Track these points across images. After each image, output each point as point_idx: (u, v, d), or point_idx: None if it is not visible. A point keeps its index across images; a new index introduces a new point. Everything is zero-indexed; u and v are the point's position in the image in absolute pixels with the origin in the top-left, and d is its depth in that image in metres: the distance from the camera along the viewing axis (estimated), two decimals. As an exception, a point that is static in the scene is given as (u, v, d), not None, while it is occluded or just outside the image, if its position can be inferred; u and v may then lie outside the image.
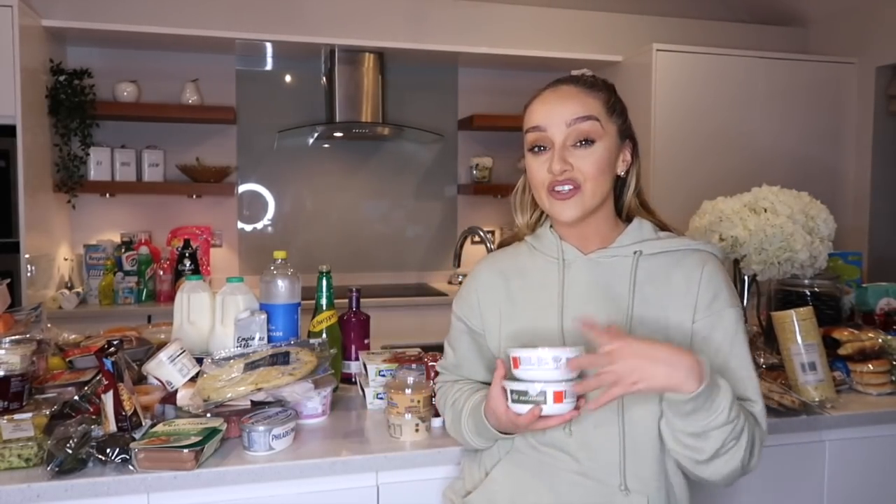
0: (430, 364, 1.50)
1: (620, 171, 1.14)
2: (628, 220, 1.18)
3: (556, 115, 1.08)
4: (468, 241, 2.49)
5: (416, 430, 1.36)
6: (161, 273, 3.30)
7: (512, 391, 1.01)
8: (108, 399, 1.25)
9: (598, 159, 1.08)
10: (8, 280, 1.64)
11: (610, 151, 1.10)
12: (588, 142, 1.07)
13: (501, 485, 1.14)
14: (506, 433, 1.11)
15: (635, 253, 1.11)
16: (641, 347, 0.94)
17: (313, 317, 1.67)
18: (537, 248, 1.20)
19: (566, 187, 1.08)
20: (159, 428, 1.27)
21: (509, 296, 1.19)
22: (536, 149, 1.11)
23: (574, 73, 1.16)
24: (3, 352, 1.35)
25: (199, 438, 1.22)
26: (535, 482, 1.11)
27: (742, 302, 1.94)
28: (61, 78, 3.15)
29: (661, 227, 1.18)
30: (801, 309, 1.59)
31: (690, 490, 1.13)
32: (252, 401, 1.38)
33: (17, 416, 1.24)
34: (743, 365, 1.08)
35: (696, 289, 1.08)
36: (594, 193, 1.09)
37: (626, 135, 1.14)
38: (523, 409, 0.99)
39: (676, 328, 1.08)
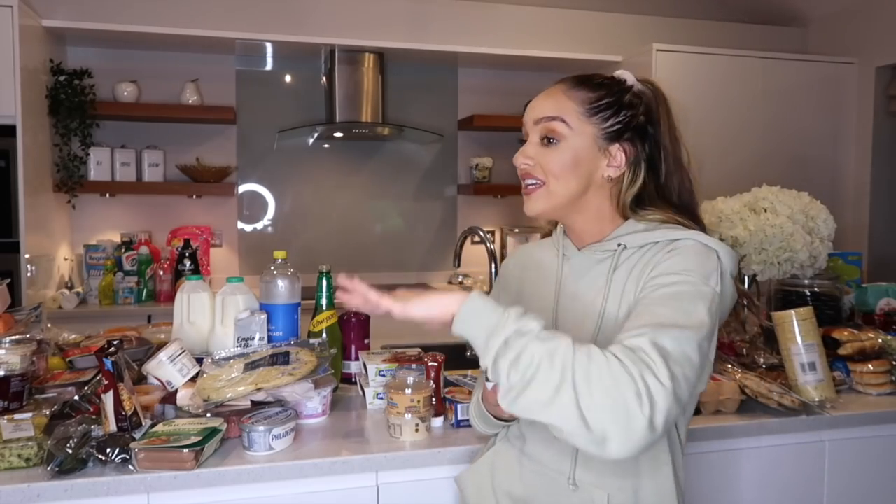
0: (430, 364, 1.50)
1: (610, 173, 1.10)
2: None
3: (531, 113, 1.12)
4: (468, 241, 2.50)
5: (416, 430, 1.36)
6: (161, 273, 3.30)
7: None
8: (108, 399, 1.25)
9: (561, 158, 1.08)
10: (8, 280, 1.64)
11: (578, 151, 1.07)
12: (551, 140, 1.09)
13: (487, 467, 1.19)
14: (503, 420, 1.17)
15: (619, 246, 1.10)
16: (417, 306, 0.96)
17: (313, 317, 1.66)
18: (552, 241, 1.24)
19: (529, 182, 1.11)
20: (159, 428, 1.27)
21: (520, 287, 1.23)
22: (520, 143, 1.15)
23: (579, 74, 1.14)
24: (3, 352, 1.35)
25: (199, 438, 1.22)
26: (511, 470, 1.15)
27: (742, 302, 1.94)
28: (61, 78, 3.15)
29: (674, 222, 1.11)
30: (801, 309, 1.59)
31: (678, 491, 1.07)
32: (252, 401, 1.38)
33: (17, 416, 1.24)
34: (657, 303, 0.94)
35: (657, 260, 1.03)
36: (560, 192, 1.09)
37: (619, 136, 1.09)
38: (490, 385, 0.99)
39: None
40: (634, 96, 1.11)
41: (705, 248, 1.05)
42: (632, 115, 1.10)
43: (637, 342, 0.86)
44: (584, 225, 1.14)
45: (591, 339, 1.06)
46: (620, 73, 1.14)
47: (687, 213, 1.13)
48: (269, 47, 3.52)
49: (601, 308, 1.08)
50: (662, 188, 1.14)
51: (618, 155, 1.10)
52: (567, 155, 1.08)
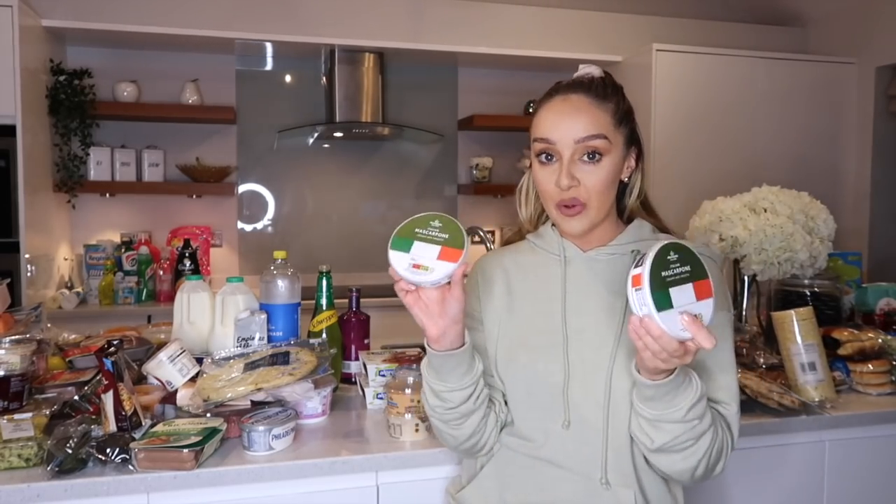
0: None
1: (625, 177, 1.15)
2: (629, 221, 1.19)
3: (565, 129, 1.08)
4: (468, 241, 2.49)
5: (416, 430, 1.36)
6: (161, 273, 3.30)
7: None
8: (108, 399, 1.25)
9: (605, 175, 1.08)
10: (8, 280, 1.64)
11: (616, 164, 1.10)
12: (596, 157, 1.08)
13: (492, 480, 1.16)
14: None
15: (632, 252, 1.13)
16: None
17: (313, 317, 1.67)
18: (538, 245, 1.22)
19: (572, 203, 1.09)
20: (159, 428, 1.27)
21: (509, 289, 1.20)
22: (545, 157, 1.11)
23: (583, 70, 1.15)
24: (3, 352, 1.35)
25: (199, 438, 1.22)
26: (523, 478, 1.12)
27: (742, 302, 1.94)
28: (61, 78, 3.15)
29: (662, 230, 1.20)
30: (801, 309, 1.59)
31: (673, 488, 1.13)
32: (252, 401, 1.38)
33: (17, 416, 1.24)
34: (721, 368, 1.08)
35: None
36: (600, 208, 1.10)
37: (633, 141, 1.15)
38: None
39: None
40: (626, 96, 1.15)
41: (714, 264, 1.12)
42: (633, 116, 1.15)
43: (729, 419, 1.08)
44: (599, 232, 1.15)
45: (615, 335, 1.09)
46: (592, 69, 1.15)
47: (650, 209, 1.21)
48: (269, 47, 3.52)
49: (624, 306, 1.10)
50: (642, 189, 1.20)
51: (631, 159, 1.15)
52: (609, 170, 1.09)
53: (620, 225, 1.18)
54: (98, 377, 1.40)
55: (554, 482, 1.09)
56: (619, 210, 1.19)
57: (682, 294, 0.90)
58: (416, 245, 1.00)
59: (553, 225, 1.20)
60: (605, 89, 1.12)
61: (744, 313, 1.95)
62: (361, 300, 1.79)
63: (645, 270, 0.88)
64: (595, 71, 1.15)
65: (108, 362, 1.26)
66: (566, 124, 1.08)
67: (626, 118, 1.12)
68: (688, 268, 0.91)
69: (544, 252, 1.20)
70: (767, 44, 3.95)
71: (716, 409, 1.06)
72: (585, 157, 1.07)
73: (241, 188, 3.73)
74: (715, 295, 1.06)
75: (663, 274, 0.89)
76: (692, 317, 0.89)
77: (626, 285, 0.91)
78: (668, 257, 0.90)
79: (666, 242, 0.92)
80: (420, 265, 0.98)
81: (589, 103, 1.09)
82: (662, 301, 0.88)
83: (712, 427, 1.01)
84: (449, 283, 1.01)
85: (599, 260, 1.15)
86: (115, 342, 1.31)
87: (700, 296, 0.91)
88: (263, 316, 1.60)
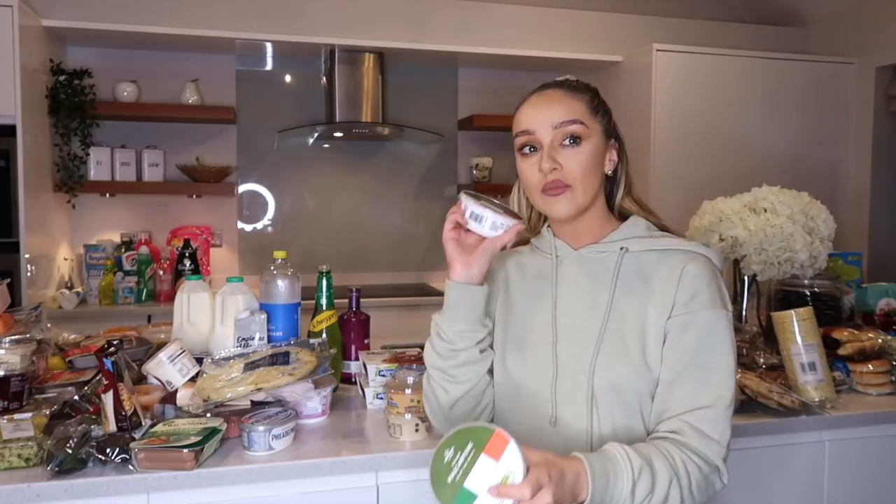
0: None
1: (608, 170, 1.17)
2: (623, 218, 1.21)
3: (543, 118, 1.13)
4: (468, 241, 2.49)
5: (416, 430, 1.36)
6: (161, 273, 3.30)
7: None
8: (108, 399, 1.25)
9: (586, 158, 1.11)
10: (8, 280, 1.64)
11: (596, 150, 1.13)
12: (575, 141, 1.11)
13: None
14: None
15: (621, 249, 1.14)
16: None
17: (313, 317, 1.67)
18: (536, 246, 1.25)
19: (555, 186, 1.11)
20: (159, 428, 1.27)
21: (508, 289, 1.23)
22: (528, 149, 1.15)
23: (558, 79, 1.20)
24: (3, 352, 1.35)
25: (199, 438, 1.22)
26: None
27: (742, 302, 1.94)
28: (61, 78, 3.15)
29: (660, 227, 1.20)
30: (801, 309, 1.59)
31: None
32: (252, 401, 1.38)
33: (17, 416, 1.24)
34: (709, 368, 1.05)
35: (674, 287, 1.09)
36: (584, 191, 1.12)
37: (611, 135, 1.17)
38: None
39: (653, 325, 1.09)
40: (601, 97, 1.20)
41: (708, 262, 1.12)
42: (610, 113, 1.19)
43: (707, 427, 1.02)
44: (589, 224, 1.17)
45: (597, 330, 1.10)
46: (568, 76, 1.21)
47: (642, 204, 1.23)
48: (269, 47, 3.52)
49: (608, 303, 1.12)
50: (629, 185, 1.22)
51: (612, 152, 1.18)
52: (589, 155, 1.12)
53: (614, 222, 1.20)
54: (98, 377, 1.40)
55: None
56: (612, 208, 1.21)
57: (476, 479, 0.89)
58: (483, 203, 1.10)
59: (549, 225, 1.23)
60: (578, 86, 1.17)
61: (744, 313, 1.95)
62: (361, 300, 1.79)
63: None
64: (569, 77, 1.20)
65: (108, 362, 1.26)
66: (543, 113, 1.13)
67: (601, 111, 1.16)
68: (469, 448, 0.90)
69: (540, 252, 1.23)
70: (767, 44, 3.95)
71: (681, 429, 1.03)
72: (566, 142, 1.11)
73: (241, 188, 3.73)
74: (699, 294, 1.07)
75: (448, 479, 0.91)
76: (496, 488, 0.87)
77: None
78: (444, 456, 0.93)
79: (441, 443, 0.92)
80: (489, 207, 1.09)
81: (563, 94, 1.15)
82: (465, 500, 0.88)
83: (672, 480, 0.97)
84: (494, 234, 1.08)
85: (590, 258, 1.17)
86: (115, 342, 1.31)
87: (492, 455, 0.88)
88: (263, 316, 1.60)
